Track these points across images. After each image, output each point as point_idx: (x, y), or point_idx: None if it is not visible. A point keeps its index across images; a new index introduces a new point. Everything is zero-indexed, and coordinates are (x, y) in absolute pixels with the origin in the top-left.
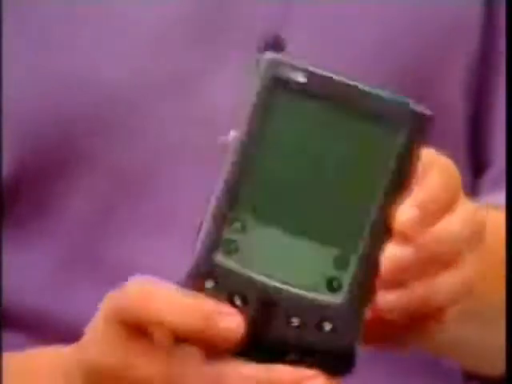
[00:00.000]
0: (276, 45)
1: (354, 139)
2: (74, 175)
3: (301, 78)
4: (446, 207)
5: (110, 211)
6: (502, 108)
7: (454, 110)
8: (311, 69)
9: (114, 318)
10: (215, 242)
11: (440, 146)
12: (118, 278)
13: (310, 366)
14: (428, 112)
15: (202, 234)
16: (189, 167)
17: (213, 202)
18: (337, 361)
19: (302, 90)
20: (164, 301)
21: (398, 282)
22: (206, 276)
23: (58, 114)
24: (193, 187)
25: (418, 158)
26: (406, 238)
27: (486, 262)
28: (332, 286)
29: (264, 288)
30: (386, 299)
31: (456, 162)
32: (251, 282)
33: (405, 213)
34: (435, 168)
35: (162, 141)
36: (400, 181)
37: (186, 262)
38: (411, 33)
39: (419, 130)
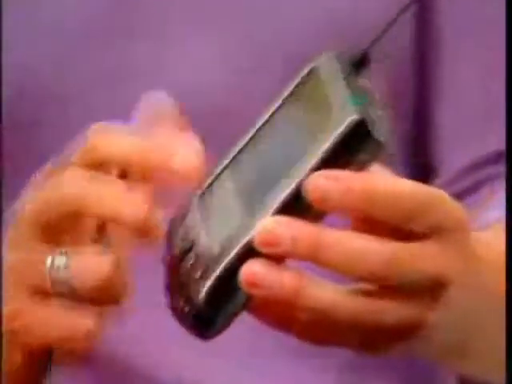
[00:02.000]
0: (362, 61)
1: (316, 124)
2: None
3: (322, 74)
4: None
5: None
6: (449, 103)
7: None
8: (335, 69)
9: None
10: (204, 187)
11: None
12: None
13: (179, 308)
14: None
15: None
16: None
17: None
18: (197, 318)
19: (315, 82)
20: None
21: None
22: (181, 212)
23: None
24: None
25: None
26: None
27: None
28: (225, 242)
29: (196, 231)
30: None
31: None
32: (195, 223)
33: (316, 179)
34: (410, 183)
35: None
36: (324, 162)
37: None
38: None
39: (354, 138)
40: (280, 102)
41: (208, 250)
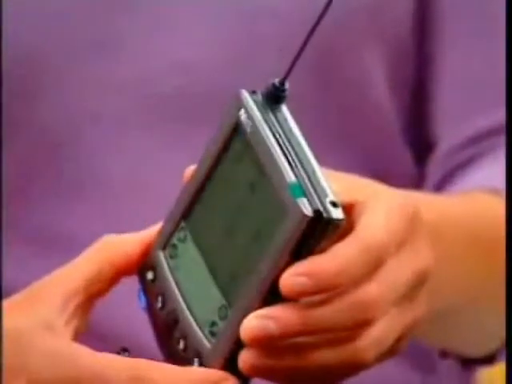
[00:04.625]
0: (276, 93)
1: (265, 206)
2: None
3: (248, 129)
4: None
5: (32, 175)
6: (447, 77)
7: (381, 104)
8: (258, 123)
9: None
10: (165, 241)
11: (373, 144)
12: (39, 240)
13: None
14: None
15: (161, 228)
16: (108, 130)
17: (173, 205)
18: None
19: (245, 140)
20: None
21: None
22: (149, 267)
23: None
24: (112, 150)
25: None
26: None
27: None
28: (212, 330)
29: (175, 302)
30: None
31: (391, 155)
32: (171, 291)
33: (290, 279)
34: (357, 237)
35: (82, 104)
36: (291, 256)
37: (105, 225)
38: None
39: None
40: (212, 165)
41: (197, 339)
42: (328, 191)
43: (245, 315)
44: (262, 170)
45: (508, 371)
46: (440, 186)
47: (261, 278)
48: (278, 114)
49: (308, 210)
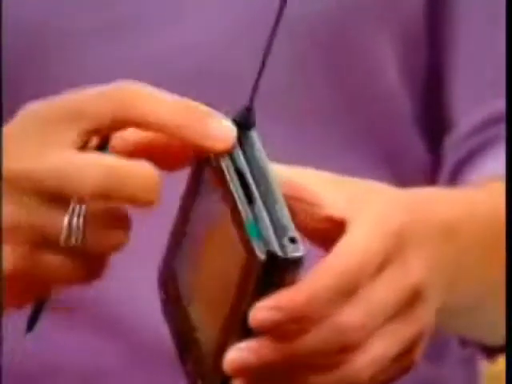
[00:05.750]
0: (246, 118)
1: (232, 245)
2: None
3: (214, 163)
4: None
5: None
6: (462, 64)
7: (393, 92)
8: (224, 164)
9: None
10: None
11: (386, 130)
12: None
13: None
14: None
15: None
16: None
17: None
18: None
19: (213, 174)
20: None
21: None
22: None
23: None
24: None
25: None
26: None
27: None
28: (204, 360)
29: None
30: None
31: (405, 143)
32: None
33: (259, 314)
34: (328, 266)
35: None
36: (254, 295)
37: None
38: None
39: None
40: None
41: (200, 366)
42: (289, 226)
43: (225, 349)
44: (227, 208)
45: (508, 371)
46: (456, 172)
47: (231, 318)
48: (246, 142)
49: (261, 252)
